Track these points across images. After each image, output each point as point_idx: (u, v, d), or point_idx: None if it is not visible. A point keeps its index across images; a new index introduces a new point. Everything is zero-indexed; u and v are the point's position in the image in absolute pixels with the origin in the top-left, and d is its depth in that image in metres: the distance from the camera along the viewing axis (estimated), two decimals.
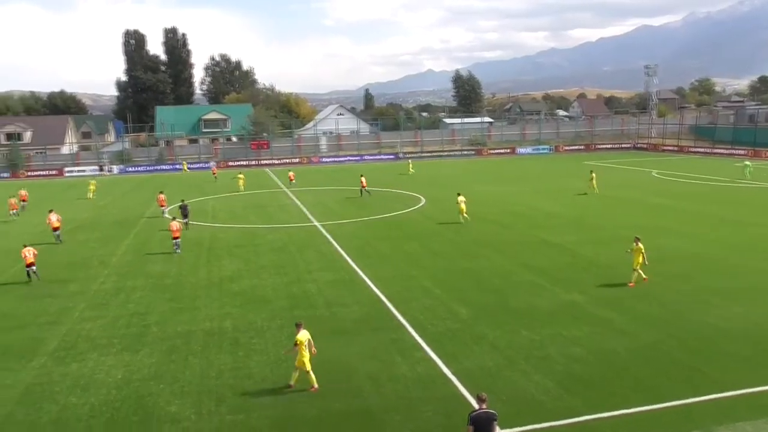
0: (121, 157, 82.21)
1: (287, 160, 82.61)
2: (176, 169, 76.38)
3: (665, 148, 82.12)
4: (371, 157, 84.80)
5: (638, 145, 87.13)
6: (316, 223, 35.22)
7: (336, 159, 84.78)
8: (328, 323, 18.50)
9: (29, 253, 24.55)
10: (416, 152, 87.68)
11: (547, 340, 16.60)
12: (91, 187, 52.47)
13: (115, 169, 77.62)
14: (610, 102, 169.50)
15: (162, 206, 40.27)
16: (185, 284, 23.41)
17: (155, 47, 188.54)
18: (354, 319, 18.80)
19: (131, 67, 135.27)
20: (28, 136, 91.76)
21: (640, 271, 21.22)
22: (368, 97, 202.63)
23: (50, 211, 33.31)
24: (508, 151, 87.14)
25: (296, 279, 23.57)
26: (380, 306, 20.04)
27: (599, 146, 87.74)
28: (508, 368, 14.98)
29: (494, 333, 17.27)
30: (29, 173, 75.89)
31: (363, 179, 46.69)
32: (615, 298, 19.95)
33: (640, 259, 21.01)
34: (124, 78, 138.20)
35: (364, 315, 19.19)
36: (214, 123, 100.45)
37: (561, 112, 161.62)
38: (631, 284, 21.10)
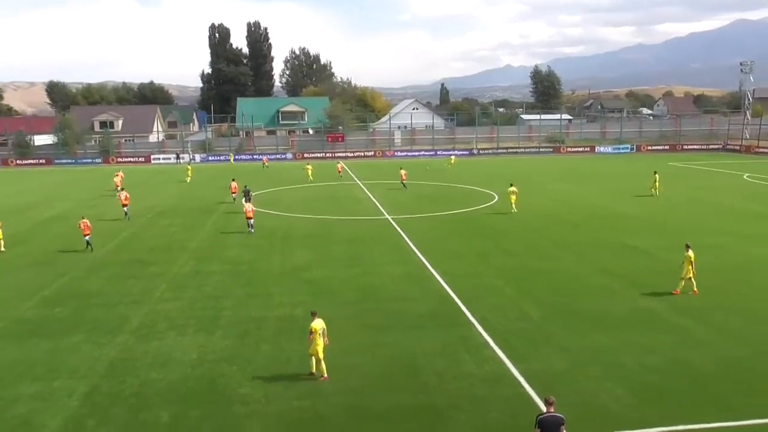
0: (204, 147, 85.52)
1: (361, 153, 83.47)
2: (256, 160, 78.62)
3: (760, 150, 77.08)
4: (445, 152, 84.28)
5: (729, 147, 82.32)
6: (388, 217, 35.41)
7: (410, 153, 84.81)
8: (396, 317, 18.59)
9: (84, 225, 27.87)
10: (491, 148, 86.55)
11: (620, 347, 16.02)
12: (189, 172, 57.54)
13: (197, 157, 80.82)
14: (699, 100, 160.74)
15: (233, 193, 42.08)
16: (259, 271, 24.11)
17: (239, 40, 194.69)
18: (422, 315, 18.80)
19: (215, 59, 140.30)
20: (119, 124, 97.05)
21: (693, 281, 20.10)
22: (444, 92, 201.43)
23: (121, 190, 38.85)
24: (587, 149, 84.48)
25: (366, 271, 23.79)
26: (449, 302, 19.94)
27: (686, 147, 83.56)
28: (578, 372, 14.57)
29: (565, 336, 16.83)
30: (119, 159, 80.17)
31: (403, 172, 48.38)
32: (697, 308, 18.98)
33: (690, 268, 19.89)
34: (208, 70, 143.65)
35: (433, 311, 19.15)
36: (291, 115, 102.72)
37: (645, 111, 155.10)
38: (676, 292, 20.12)
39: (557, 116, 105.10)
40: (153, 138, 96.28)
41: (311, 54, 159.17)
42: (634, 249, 26.64)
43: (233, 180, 43.26)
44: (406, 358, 15.55)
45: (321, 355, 14.35)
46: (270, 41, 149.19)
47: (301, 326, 17.86)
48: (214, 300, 20.52)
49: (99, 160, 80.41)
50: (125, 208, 36.10)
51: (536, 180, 52.66)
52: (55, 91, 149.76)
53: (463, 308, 19.22)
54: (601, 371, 14.58)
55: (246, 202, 34.27)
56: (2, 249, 28.18)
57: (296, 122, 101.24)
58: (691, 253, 19.97)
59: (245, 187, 39.10)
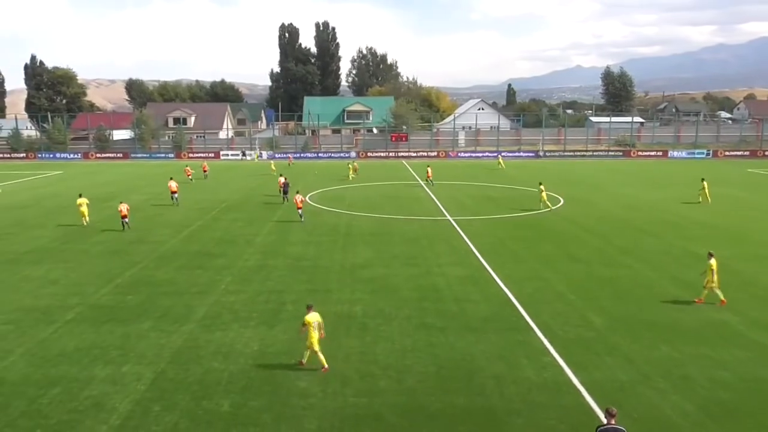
0: (271, 144, 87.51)
1: (424, 153, 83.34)
2: (319, 158, 79.87)
3: None
4: (510, 154, 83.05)
5: None
6: (449, 218, 35.21)
7: (473, 154, 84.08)
8: (456, 319, 18.47)
9: (124, 208, 32.05)
10: (558, 151, 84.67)
11: (689, 360, 15.35)
12: (273, 166, 62.17)
13: (264, 154, 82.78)
14: None
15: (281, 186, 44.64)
16: (321, 267, 24.46)
17: (307, 40, 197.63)
18: (482, 317, 18.59)
19: (284, 59, 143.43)
20: (191, 121, 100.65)
21: (718, 291, 19.32)
22: (510, 92, 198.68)
23: (171, 179, 42.15)
24: (660, 153, 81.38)
25: (426, 271, 23.74)
26: (509, 306, 19.64)
27: None
28: (643, 384, 14.04)
29: (630, 346, 16.26)
30: (191, 155, 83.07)
31: (429, 170, 51.75)
32: None
33: (714, 277, 19.16)
34: (277, 69, 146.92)
35: (493, 314, 18.91)
36: (356, 114, 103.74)
37: (724, 114, 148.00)
38: (699, 300, 19.58)
39: (628, 119, 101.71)
40: (222, 135, 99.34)
41: (378, 54, 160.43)
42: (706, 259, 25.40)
43: (281, 176, 44.45)
44: (463, 361, 15.42)
45: (317, 347, 14.74)
46: (338, 41, 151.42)
47: (360, 323, 18.07)
48: (277, 294, 20.96)
49: (171, 155, 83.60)
50: (174, 195, 40.57)
51: (604, 184, 51.15)
52: (134, 88, 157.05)
53: (524, 313, 18.89)
54: (667, 384, 14.01)
55: (284, 194, 40.29)
56: (86, 223, 33.14)
57: (361, 121, 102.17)
58: (713, 261, 19.30)
59: (285, 179, 42.31)
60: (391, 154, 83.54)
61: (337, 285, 22.05)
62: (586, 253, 26.75)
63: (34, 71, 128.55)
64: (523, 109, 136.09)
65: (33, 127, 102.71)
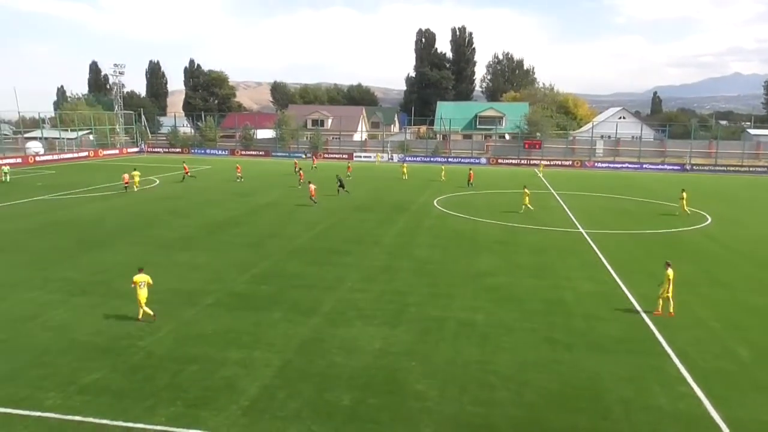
0: (402, 147, 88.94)
1: (558, 162, 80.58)
2: (448, 162, 79.74)
3: None
4: (653, 166, 78.05)
5: None
6: (582, 230, 33.74)
7: (612, 165, 79.92)
8: (584, 336, 17.67)
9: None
10: (708, 165, 78.23)
11: None
12: (404, 170, 60.93)
13: (395, 157, 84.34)
14: None
15: (301, 178, 50.86)
16: (445, 272, 24.44)
17: (443, 45, 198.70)
18: (612, 337, 17.62)
19: (420, 63, 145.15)
20: (328, 122, 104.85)
21: (671, 300, 19.25)
22: (656, 101, 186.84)
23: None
24: None
25: (553, 284, 22.93)
26: (643, 328, 18.43)
27: None
28: None
29: None
30: (326, 156, 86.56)
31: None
32: None
33: (668, 286, 19.11)
34: (413, 74, 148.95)
35: (623, 334, 17.86)
36: (489, 120, 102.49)
37: None
38: (657, 312, 19.36)
39: None
40: (357, 137, 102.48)
41: (515, 59, 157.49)
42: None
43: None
44: (589, 380, 14.70)
45: (143, 302, 17.79)
46: (474, 46, 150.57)
47: (481, 332, 17.83)
48: (400, 295, 21.23)
49: (309, 155, 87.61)
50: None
51: (760, 204, 46.49)
52: (277, 90, 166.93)
53: (659, 336, 17.64)
54: None
55: (339, 187, 45.63)
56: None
57: (493, 127, 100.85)
58: (670, 271, 19.19)
59: (338, 175, 48.06)
60: (522, 161, 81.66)
61: (460, 290, 21.92)
62: (733, 277, 24.47)
63: (192, 74, 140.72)
64: (669, 118, 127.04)
65: (188, 125, 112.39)
